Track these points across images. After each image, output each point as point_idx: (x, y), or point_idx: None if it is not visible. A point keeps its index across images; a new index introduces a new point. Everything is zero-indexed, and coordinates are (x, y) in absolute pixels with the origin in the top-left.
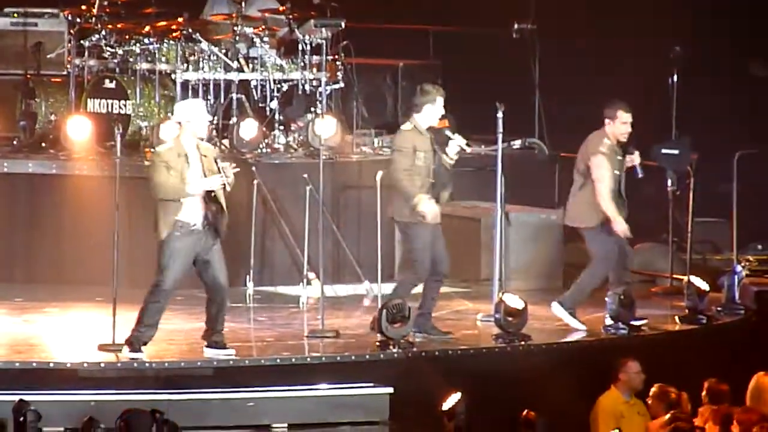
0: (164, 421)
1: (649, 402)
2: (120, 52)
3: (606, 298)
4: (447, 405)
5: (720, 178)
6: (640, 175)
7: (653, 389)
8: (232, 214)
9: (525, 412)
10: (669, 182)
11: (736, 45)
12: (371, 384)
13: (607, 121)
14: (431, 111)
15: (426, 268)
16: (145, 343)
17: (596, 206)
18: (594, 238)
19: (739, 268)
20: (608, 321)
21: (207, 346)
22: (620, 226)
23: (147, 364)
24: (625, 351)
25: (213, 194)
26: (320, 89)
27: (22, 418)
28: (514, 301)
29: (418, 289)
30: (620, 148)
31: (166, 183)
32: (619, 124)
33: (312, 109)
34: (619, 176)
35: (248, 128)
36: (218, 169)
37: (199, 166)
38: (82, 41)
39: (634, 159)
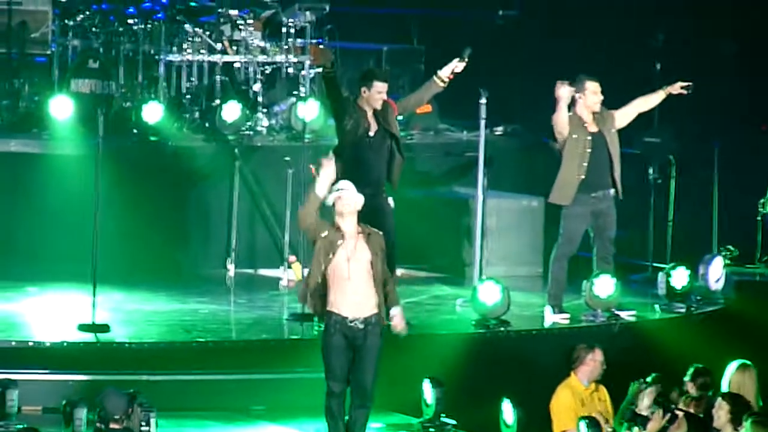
0: (140, 403)
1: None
2: (104, 32)
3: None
4: None
5: (701, 166)
6: None
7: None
8: (214, 196)
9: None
10: (650, 171)
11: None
12: None
13: (577, 96)
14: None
15: None
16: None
17: (567, 184)
18: (564, 216)
19: (718, 257)
20: (586, 309)
21: None
22: None
23: (126, 345)
24: (601, 338)
25: None
26: (303, 72)
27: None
28: (494, 288)
29: None
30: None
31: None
32: (590, 95)
33: (295, 92)
34: (590, 152)
35: (231, 110)
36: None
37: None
38: (66, 21)
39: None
